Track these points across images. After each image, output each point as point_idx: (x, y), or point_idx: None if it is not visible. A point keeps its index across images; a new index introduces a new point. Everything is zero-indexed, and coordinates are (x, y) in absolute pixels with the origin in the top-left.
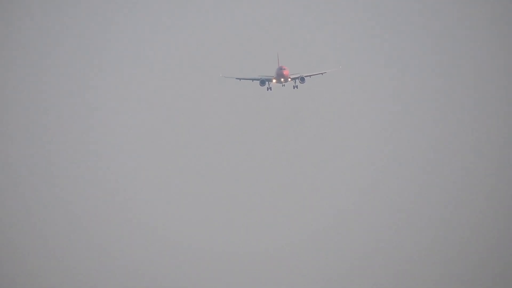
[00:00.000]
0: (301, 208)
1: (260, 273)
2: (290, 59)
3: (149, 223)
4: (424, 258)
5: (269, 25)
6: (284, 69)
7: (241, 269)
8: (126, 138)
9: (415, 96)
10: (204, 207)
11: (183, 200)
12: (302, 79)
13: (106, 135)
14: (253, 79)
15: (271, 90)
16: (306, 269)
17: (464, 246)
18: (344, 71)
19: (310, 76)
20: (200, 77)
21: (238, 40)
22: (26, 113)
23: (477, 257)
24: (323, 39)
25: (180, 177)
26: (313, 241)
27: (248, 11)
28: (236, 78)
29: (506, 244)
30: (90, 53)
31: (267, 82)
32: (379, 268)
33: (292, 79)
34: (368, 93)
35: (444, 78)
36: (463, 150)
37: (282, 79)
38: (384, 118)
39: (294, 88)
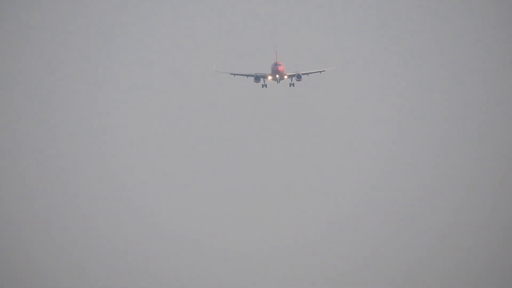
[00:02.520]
0: (298, 205)
1: (258, 270)
2: (289, 57)
3: (150, 221)
4: (426, 261)
5: (268, 22)
6: (280, 65)
7: (241, 265)
8: (124, 137)
9: (414, 95)
10: (202, 204)
11: (180, 198)
12: (298, 77)
13: (107, 134)
14: (247, 75)
15: (266, 87)
16: (305, 267)
17: (469, 249)
18: (342, 69)
19: (307, 74)
20: (197, 73)
21: (236, 37)
22: (33, 115)
23: (480, 258)
24: (322, 36)
25: (175, 175)
26: (311, 239)
27: (247, 7)
28: (230, 74)
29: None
30: (88, 53)
31: (262, 79)
32: (379, 270)
33: (289, 76)
34: (367, 91)
35: (445, 75)
36: (466, 150)
37: (277, 76)
38: (382, 117)
39: (290, 86)
